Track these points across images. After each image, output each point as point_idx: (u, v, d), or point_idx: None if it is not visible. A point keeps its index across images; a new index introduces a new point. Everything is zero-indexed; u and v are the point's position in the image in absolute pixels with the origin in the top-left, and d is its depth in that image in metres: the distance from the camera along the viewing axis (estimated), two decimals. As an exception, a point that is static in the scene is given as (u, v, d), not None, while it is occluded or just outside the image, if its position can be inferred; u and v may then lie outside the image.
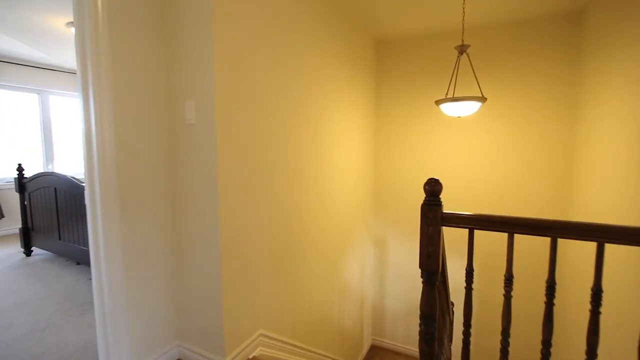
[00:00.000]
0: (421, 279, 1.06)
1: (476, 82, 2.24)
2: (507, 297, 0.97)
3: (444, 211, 1.01)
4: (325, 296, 2.47)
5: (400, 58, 3.11)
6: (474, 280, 1.14)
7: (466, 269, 1.03)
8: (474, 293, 2.99)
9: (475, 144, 2.86)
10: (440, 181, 1.03)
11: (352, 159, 2.78)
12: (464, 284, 1.09)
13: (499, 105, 2.71)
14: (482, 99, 2.07)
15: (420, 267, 1.04)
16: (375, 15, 2.59)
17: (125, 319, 1.33)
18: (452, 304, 2.36)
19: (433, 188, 1.01)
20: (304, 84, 1.93)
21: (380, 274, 3.51)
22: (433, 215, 1.00)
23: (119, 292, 1.30)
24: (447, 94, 2.23)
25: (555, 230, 0.86)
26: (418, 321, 3.59)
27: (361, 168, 3.02)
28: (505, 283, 0.96)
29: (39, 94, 4.49)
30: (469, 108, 2.14)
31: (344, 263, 2.76)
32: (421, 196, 3.17)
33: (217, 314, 1.38)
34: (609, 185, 2.06)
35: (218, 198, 1.31)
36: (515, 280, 2.73)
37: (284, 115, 1.74)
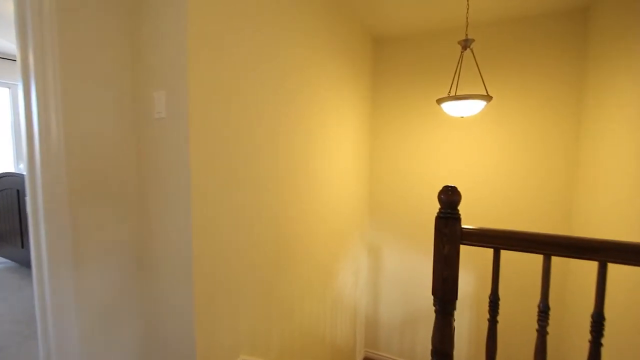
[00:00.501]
0: (433, 307, 0.88)
1: (480, 81, 2.09)
2: (542, 334, 0.79)
3: (464, 226, 0.83)
4: (317, 308, 2.27)
5: (398, 56, 2.94)
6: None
7: (490, 298, 0.85)
8: (471, 313, 2.86)
9: (476, 145, 2.71)
10: (458, 189, 0.85)
11: (347, 161, 2.60)
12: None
13: (501, 105, 2.57)
14: (488, 97, 1.91)
15: (433, 293, 0.86)
16: (373, 11, 2.42)
17: None
18: (453, 318, 2.19)
19: (450, 198, 0.83)
20: (296, 82, 1.73)
21: (375, 282, 3.33)
22: (450, 231, 0.82)
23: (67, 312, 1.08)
24: (449, 93, 2.06)
25: (607, 252, 0.68)
26: (413, 331, 3.45)
27: (356, 171, 2.84)
28: (539, 316, 0.79)
29: (9, 88, 4.18)
30: (473, 107, 1.98)
31: (337, 273, 2.57)
32: (419, 200, 3.02)
33: (189, 344, 1.17)
34: (614, 186, 1.94)
35: (191, 206, 1.11)
36: (511, 299, 2.60)
37: (273, 115, 1.54)
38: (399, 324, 3.28)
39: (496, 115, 2.60)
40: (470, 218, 2.76)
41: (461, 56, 2.02)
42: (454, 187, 0.84)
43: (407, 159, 3.01)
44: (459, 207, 0.85)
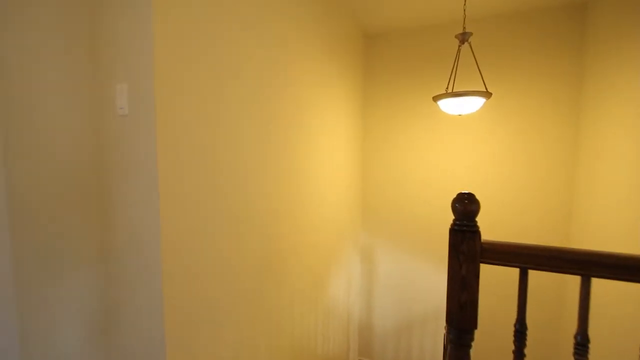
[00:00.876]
0: (444, 337, 0.74)
1: (478, 78, 1.99)
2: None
3: (485, 240, 0.69)
4: (308, 318, 2.12)
5: (390, 53, 2.82)
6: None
7: (516, 327, 0.72)
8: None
9: (473, 145, 2.60)
10: (476, 196, 0.71)
11: (338, 162, 2.46)
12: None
13: (499, 103, 2.47)
14: (487, 93, 1.80)
15: (448, 321, 0.72)
16: (364, 3, 2.28)
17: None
18: (452, 328, 2.07)
19: (467, 208, 0.70)
20: (283, 80, 1.58)
21: (368, 288, 3.20)
22: (469, 247, 0.68)
23: None
24: (447, 89, 1.95)
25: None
26: (408, 337, 3.33)
27: (348, 173, 2.70)
28: (575, 349, 0.66)
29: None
30: (472, 104, 1.87)
31: (329, 280, 2.42)
32: (413, 203, 2.89)
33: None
34: (614, 186, 1.87)
35: (160, 217, 0.94)
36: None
37: (259, 114, 1.38)
38: (394, 330, 3.16)
39: (494, 113, 2.50)
40: None
41: (458, 51, 1.91)
42: (471, 194, 0.71)
43: (401, 159, 2.89)
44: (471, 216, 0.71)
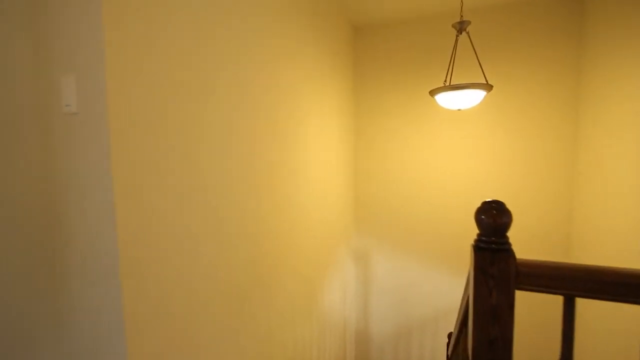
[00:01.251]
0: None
1: (478, 70, 1.87)
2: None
3: (521, 260, 0.55)
4: (302, 333, 1.97)
5: (381, 46, 2.69)
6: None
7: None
8: None
9: (472, 142, 2.49)
10: (506, 205, 0.57)
11: (330, 161, 2.31)
12: None
13: (497, 97, 2.36)
14: (488, 86, 1.68)
15: (474, 362, 0.58)
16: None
17: None
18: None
19: (497, 221, 0.55)
20: (269, 76, 1.42)
21: (364, 293, 3.07)
22: (500, 270, 0.54)
23: None
24: (445, 82, 1.82)
25: None
26: (407, 342, 3.21)
27: (340, 171, 2.56)
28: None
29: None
30: (471, 98, 1.74)
31: (322, 287, 2.27)
32: (409, 202, 2.75)
33: None
34: (616, 184, 1.79)
35: (117, 242, 0.77)
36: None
37: (244, 114, 1.22)
38: (392, 336, 3.03)
39: (493, 108, 2.39)
40: (467, 223, 2.57)
41: (456, 41, 1.78)
42: (500, 202, 0.57)
43: (395, 158, 2.76)
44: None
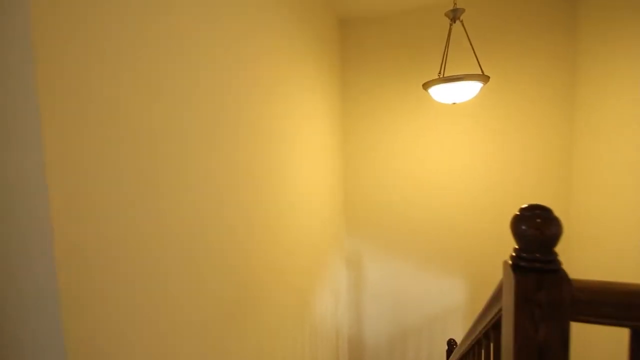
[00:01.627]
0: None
1: (472, 62, 1.76)
2: None
3: (577, 281, 0.42)
4: (293, 344, 1.81)
5: (370, 40, 2.56)
6: None
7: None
8: None
9: (468, 138, 2.39)
10: (554, 213, 0.44)
11: (318, 162, 2.17)
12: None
13: (492, 91, 2.27)
14: (485, 77, 1.57)
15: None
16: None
17: None
18: (454, 343, 1.84)
19: (545, 232, 0.42)
20: (251, 70, 1.26)
21: (357, 299, 2.94)
22: (550, 297, 0.41)
23: None
24: (440, 74, 1.71)
25: None
26: (402, 348, 3.10)
27: (329, 173, 2.42)
28: None
29: None
30: (467, 91, 1.64)
31: (315, 298, 2.13)
32: (400, 203, 2.63)
33: None
34: (613, 183, 1.73)
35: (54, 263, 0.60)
36: None
37: (222, 112, 1.06)
38: (386, 341, 2.91)
39: (489, 102, 2.30)
40: (462, 223, 2.47)
41: (450, 31, 1.68)
42: (547, 208, 0.44)
43: (386, 157, 2.64)
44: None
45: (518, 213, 0.45)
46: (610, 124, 1.83)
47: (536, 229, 0.43)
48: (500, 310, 0.60)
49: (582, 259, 2.07)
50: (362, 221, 2.78)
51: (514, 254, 0.46)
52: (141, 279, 0.76)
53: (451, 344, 1.80)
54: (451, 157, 2.42)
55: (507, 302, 0.46)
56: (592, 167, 2.01)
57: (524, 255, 0.44)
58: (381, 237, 2.74)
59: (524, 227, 0.44)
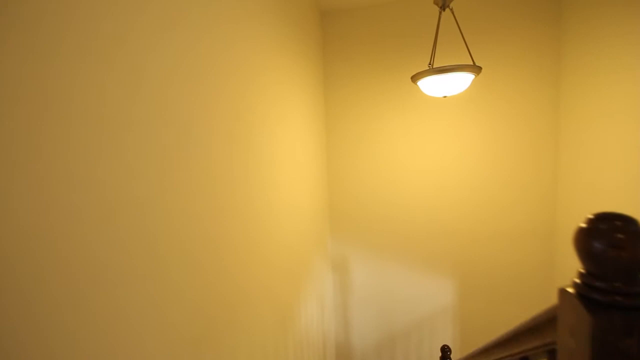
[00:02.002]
0: None
1: (461, 55, 1.67)
2: None
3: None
4: (275, 356, 1.65)
5: (353, 32, 2.43)
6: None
7: None
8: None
9: (455, 135, 2.31)
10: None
11: (299, 162, 2.01)
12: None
13: (480, 84, 2.20)
14: (477, 68, 1.48)
15: None
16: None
17: None
18: (448, 349, 1.75)
19: (633, 254, 0.30)
20: (226, 62, 1.10)
21: (343, 304, 2.81)
22: (645, 347, 0.29)
23: None
24: (430, 64, 1.60)
25: None
26: (391, 352, 3.00)
27: (312, 173, 2.27)
28: None
29: None
30: (459, 83, 1.54)
31: (299, 306, 1.98)
32: (385, 203, 2.51)
33: None
34: (602, 175, 1.70)
35: None
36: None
37: (194, 109, 0.89)
38: (375, 346, 2.81)
39: (478, 96, 2.22)
40: (451, 222, 2.39)
41: (439, 19, 1.57)
42: (631, 219, 0.31)
43: (370, 155, 2.53)
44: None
45: (587, 225, 0.32)
46: (596, 115, 1.80)
47: (618, 248, 0.30)
48: (548, 345, 0.47)
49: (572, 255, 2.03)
50: (347, 223, 2.66)
51: (581, 281, 0.33)
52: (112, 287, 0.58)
53: (445, 350, 1.70)
54: (438, 154, 2.34)
55: (569, 344, 0.33)
56: (579, 163, 1.97)
57: (599, 284, 0.31)
58: (367, 238, 2.62)
59: (597, 245, 0.31)
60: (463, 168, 2.30)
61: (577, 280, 0.34)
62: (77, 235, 0.54)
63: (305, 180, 2.11)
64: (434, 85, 1.56)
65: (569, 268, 2.07)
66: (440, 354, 1.81)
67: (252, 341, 1.32)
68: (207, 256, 0.97)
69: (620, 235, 0.30)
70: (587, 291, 0.32)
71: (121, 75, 0.64)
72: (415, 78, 1.58)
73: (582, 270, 0.33)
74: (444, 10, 1.56)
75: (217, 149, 1.05)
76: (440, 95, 1.61)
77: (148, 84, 0.72)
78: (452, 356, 1.77)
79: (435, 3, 1.58)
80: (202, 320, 0.94)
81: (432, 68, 1.48)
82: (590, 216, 0.32)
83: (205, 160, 0.98)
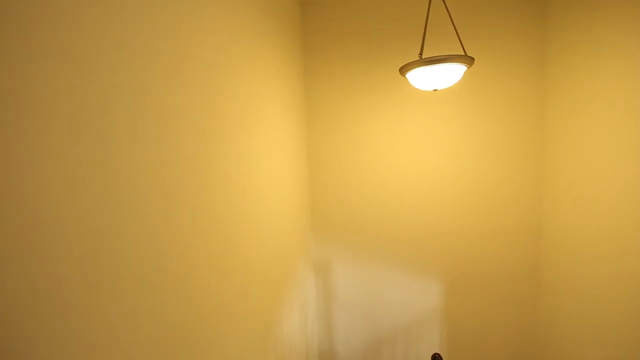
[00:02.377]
0: None
1: (450, 46, 1.58)
2: None
3: None
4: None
5: (335, 23, 2.31)
6: None
7: None
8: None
9: (444, 131, 2.24)
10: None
11: (278, 161, 1.87)
12: None
13: (469, 80, 2.13)
14: (469, 59, 1.39)
15: None
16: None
17: None
18: (440, 358, 1.66)
19: None
20: (202, 52, 0.94)
21: (327, 310, 2.68)
22: None
23: None
24: (420, 55, 1.49)
25: None
26: (376, 357, 2.90)
27: (293, 173, 2.13)
28: None
29: None
30: (450, 75, 1.45)
31: (281, 315, 1.83)
32: (373, 203, 2.28)
33: None
34: (588, 174, 1.67)
35: None
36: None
37: (170, 102, 0.73)
38: (360, 352, 2.70)
39: (465, 89, 2.15)
40: (439, 223, 2.31)
41: (429, 4, 1.47)
42: None
43: (354, 153, 2.42)
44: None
45: None
46: (581, 110, 1.77)
47: None
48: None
49: (557, 254, 2.00)
50: (330, 225, 2.53)
51: None
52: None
53: (436, 358, 1.61)
54: (426, 153, 2.26)
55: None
56: (565, 160, 1.94)
57: None
58: (352, 241, 2.51)
59: None
60: (451, 167, 2.23)
61: None
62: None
63: (285, 181, 1.96)
64: (423, 78, 1.46)
65: (555, 268, 2.04)
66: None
67: (229, 352, 1.16)
68: (180, 262, 0.81)
69: None
70: None
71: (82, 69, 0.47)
72: (404, 70, 1.48)
73: None
74: (434, -3, 1.47)
75: (189, 145, 0.89)
76: (430, 88, 1.51)
77: (120, 79, 0.56)
78: (443, 364, 1.68)
79: (425, -11, 1.49)
80: (175, 331, 0.78)
81: (422, 59, 1.38)
82: None
83: (177, 156, 0.81)
